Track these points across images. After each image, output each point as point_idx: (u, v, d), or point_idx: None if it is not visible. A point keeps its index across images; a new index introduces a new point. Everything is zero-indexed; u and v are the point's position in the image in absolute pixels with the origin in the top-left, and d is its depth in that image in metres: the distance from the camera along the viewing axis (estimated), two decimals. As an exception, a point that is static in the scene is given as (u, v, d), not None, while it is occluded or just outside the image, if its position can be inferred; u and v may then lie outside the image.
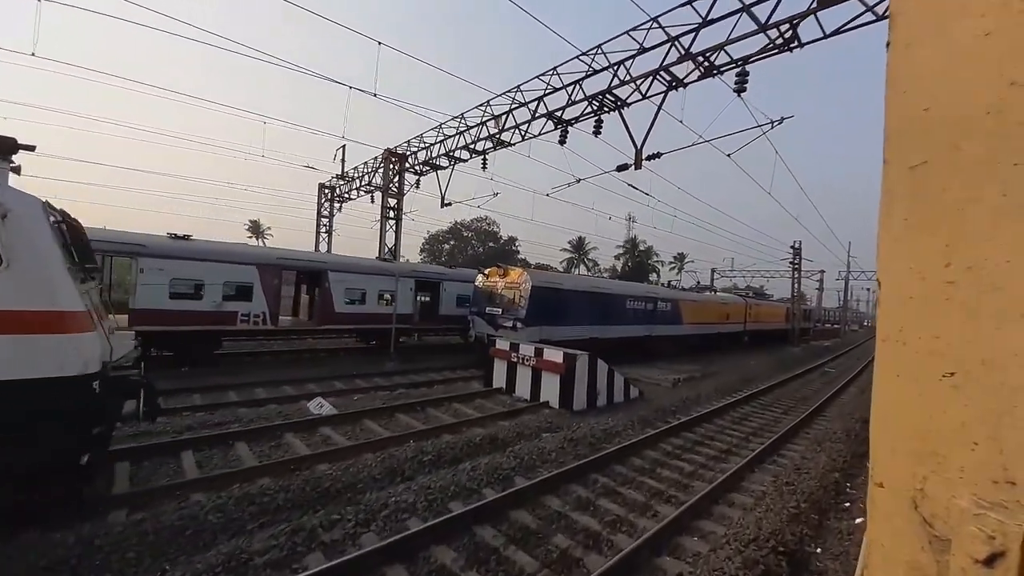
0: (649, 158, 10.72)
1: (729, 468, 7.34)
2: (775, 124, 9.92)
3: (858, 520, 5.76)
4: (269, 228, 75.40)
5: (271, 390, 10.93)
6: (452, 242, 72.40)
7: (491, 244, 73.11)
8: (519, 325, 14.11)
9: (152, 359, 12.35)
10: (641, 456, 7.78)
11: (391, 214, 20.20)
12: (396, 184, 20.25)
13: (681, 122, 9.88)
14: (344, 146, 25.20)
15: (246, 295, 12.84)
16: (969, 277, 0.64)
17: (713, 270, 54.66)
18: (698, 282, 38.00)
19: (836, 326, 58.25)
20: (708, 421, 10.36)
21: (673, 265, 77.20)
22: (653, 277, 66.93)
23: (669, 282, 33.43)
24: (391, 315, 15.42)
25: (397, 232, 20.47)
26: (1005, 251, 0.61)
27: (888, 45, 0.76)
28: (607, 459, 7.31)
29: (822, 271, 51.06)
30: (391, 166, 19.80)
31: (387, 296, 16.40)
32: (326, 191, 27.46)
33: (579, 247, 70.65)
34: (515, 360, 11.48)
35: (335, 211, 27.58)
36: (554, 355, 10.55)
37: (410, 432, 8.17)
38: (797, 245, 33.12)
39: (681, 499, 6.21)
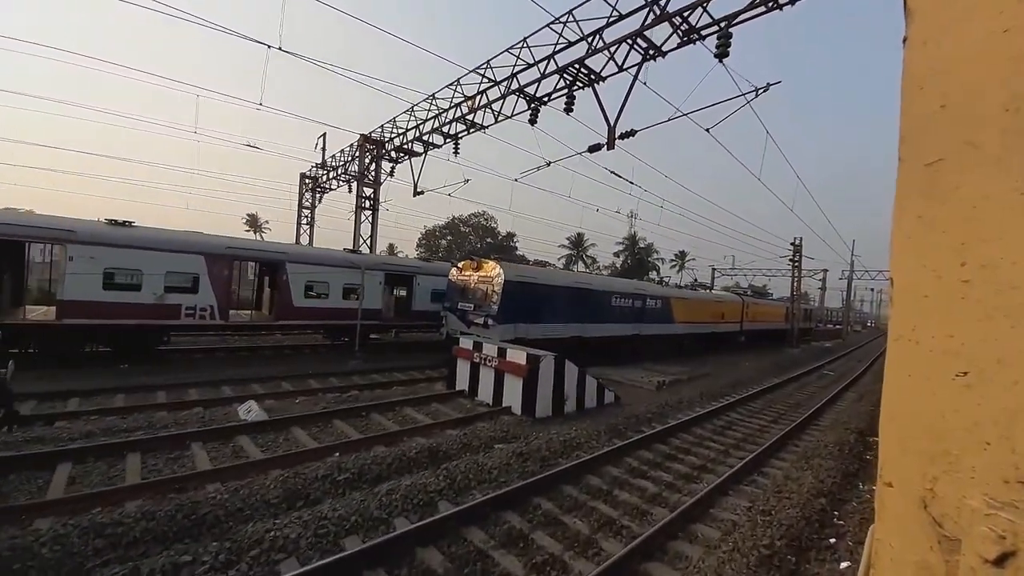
0: (623, 136, 9.63)
1: (699, 490, 6.33)
2: (760, 92, 8.74)
3: (844, 564, 4.74)
4: (267, 222, 74.44)
5: (207, 391, 9.98)
6: (450, 237, 71.60)
7: (489, 240, 72.31)
8: (491, 322, 13.09)
9: (86, 355, 11.48)
10: (600, 474, 6.77)
11: (367, 204, 19.26)
12: (372, 172, 19.28)
13: (644, 83, 8.57)
14: (324, 134, 24.26)
15: (192, 287, 11.88)
16: (984, 275, 0.64)
17: (713, 268, 53.45)
18: (695, 279, 36.80)
19: (838, 327, 56.94)
20: (686, 430, 9.34)
21: (674, 263, 76.00)
22: (652, 275, 65.79)
23: (661, 278, 32.31)
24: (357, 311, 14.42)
25: (374, 223, 19.55)
26: (1021, 249, 0.61)
27: (904, 41, 0.75)
28: (557, 478, 6.30)
29: (825, 270, 49.82)
30: (366, 153, 18.82)
31: (358, 290, 15.41)
32: (308, 181, 26.52)
33: (578, 243, 69.63)
34: (477, 361, 10.48)
35: (317, 202, 26.65)
36: (517, 356, 9.54)
37: (340, 443, 7.19)
38: (797, 241, 31.87)
39: (634, 531, 5.20)
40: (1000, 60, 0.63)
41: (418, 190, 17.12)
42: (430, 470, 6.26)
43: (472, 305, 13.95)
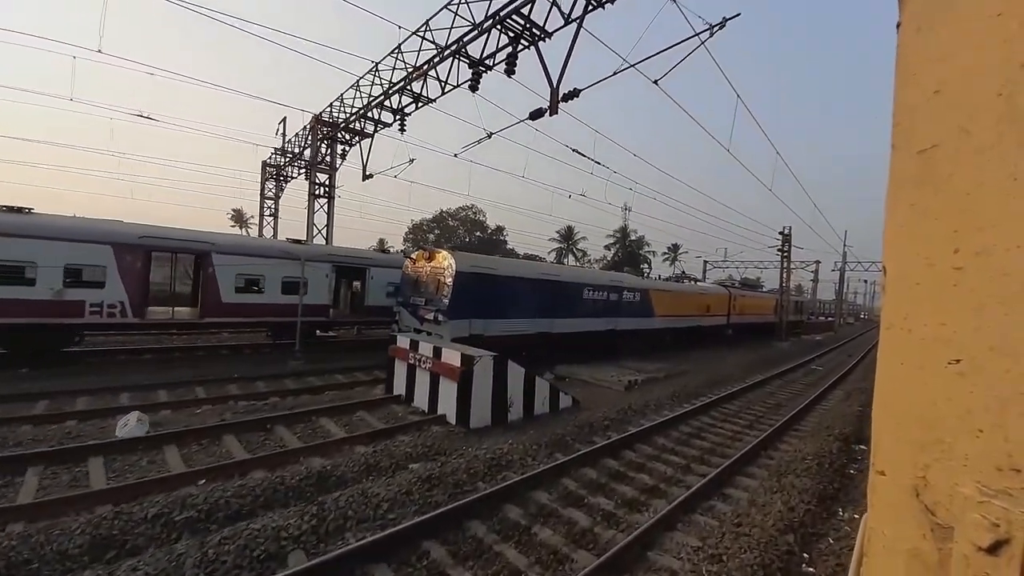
0: (565, 98, 8.37)
1: (640, 523, 5.14)
2: (715, 29, 7.42)
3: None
4: (251, 217, 72.43)
5: (101, 399, 8.71)
6: (437, 231, 70.38)
7: (478, 234, 71.17)
8: (441, 318, 11.86)
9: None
10: (523, 502, 5.57)
11: (321, 191, 17.93)
12: (328, 157, 17.92)
13: (585, 30, 7.24)
14: (285, 118, 22.83)
15: (97, 281, 10.54)
16: (977, 263, 0.63)
17: (705, 261, 52.39)
18: (683, 272, 35.68)
19: (831, 319, 56.04)
20: (645, 440, 8.16)
21: (667, 256, 74.92)
22: (644, 268, 64.73)
23: (644, 271, 31.22)
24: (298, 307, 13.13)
25: (329, 211, 18.25)
26: (1014, 236, 0.60)
27: (898, 27, 0.74)
28: (464, 512, 5.10)
29: (817, 261, 48.71)
30: (319, 135, 17.45)
31: (306, 284, 14.10)
32: (270, 169, 25.08)
33: (568, 236, 68.43)
34: (413, 362, 9.25)
35: (280, 191, 25.24)
36: (451, 356, 8.31)
37: (213, 466, 5.95)
38: (786, 231, 30.69)
39: (540, 590, 4.01)
40: (993, 45, 0.62)
41: (367, 174, 15.83)
42: (304, 504, 5.03)
43: (424, 299, 12.71)
